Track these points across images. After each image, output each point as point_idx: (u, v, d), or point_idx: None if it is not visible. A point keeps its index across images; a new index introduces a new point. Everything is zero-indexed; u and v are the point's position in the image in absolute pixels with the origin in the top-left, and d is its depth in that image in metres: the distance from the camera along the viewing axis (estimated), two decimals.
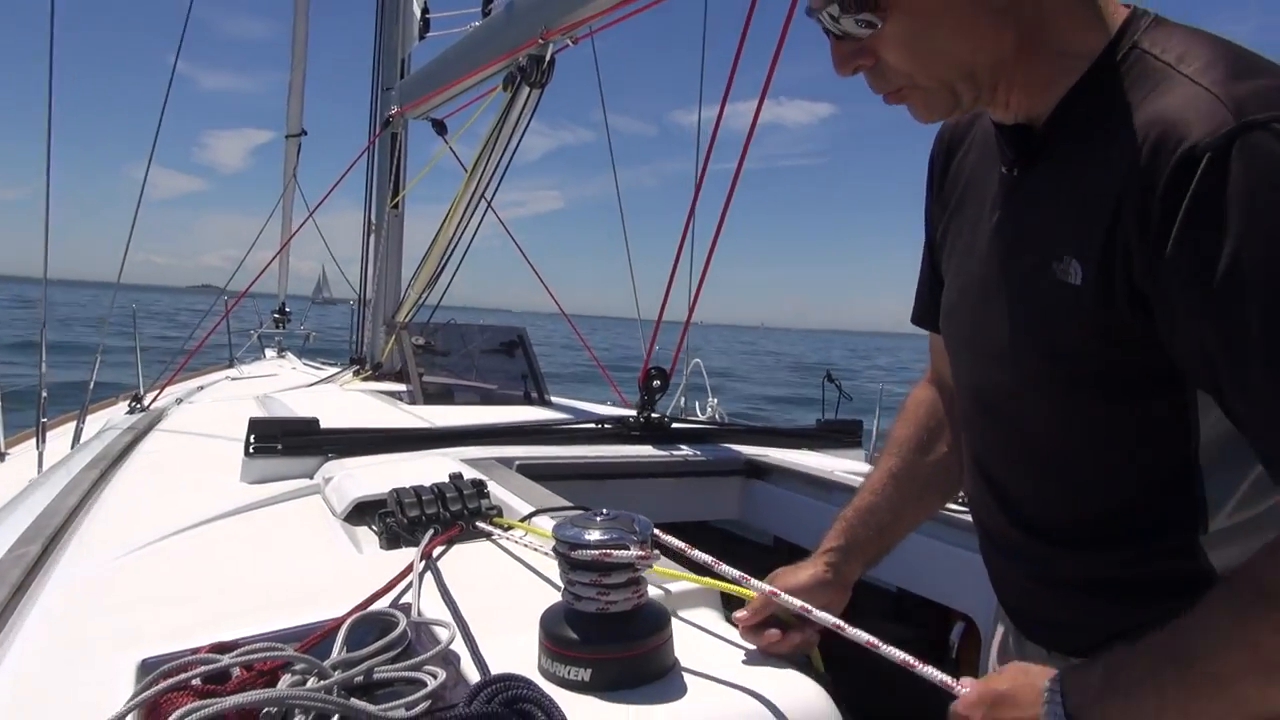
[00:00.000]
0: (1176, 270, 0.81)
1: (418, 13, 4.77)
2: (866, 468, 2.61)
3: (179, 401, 4.02)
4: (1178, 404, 0.92)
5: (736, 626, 1.19)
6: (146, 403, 3.88)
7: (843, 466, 2.52)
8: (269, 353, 7.97)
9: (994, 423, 1.11)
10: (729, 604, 1.31)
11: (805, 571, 1.25)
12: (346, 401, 3.45)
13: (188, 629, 1.19)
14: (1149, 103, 0.86)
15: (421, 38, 4.74)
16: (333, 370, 5.28)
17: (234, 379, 5.39)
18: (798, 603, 1.11)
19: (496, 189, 3.67)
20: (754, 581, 1.17)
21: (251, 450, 2.11)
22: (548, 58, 3.14)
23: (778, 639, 1.13)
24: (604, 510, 1.11)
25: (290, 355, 7.65)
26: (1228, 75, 0.82)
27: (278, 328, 8.79)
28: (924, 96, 0.97)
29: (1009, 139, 1.01)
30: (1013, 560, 1.14)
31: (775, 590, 1.13)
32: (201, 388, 4.78)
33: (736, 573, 1.17)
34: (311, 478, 2.10)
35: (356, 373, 4.70)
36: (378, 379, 4.53)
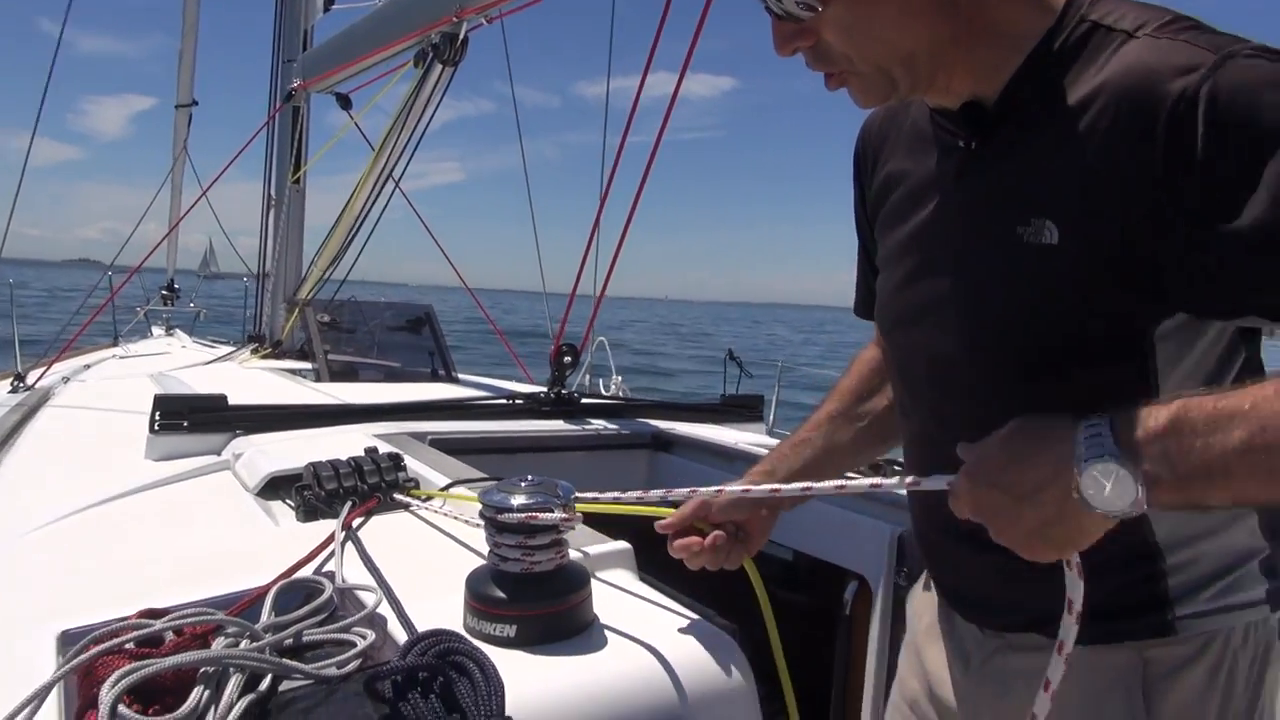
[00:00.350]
0: (1213, 176, 0.80)
1: None
2: (768, 439, 2.73)
3: (66, 380, 3.87)
4: (1141, 371, 0.93)
5: (649, 583, 1.27)
6: (30, 381, 3.73)
7: (745, 439, 2.62)
8: (156, 330, 7.68)
9: (952, 399, 1.08)
10: (642, 564, 1.38)
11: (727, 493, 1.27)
12: (249, 379, 3.39)
13: (106, 601, 1.19)
14: (1115, 63, 0.87)
15: (326, 9, 4.64)
16: (229, 348, 5.15)
17: (122, 357, 5.20)
18: (739, 486, 1.18)
19: (405, 168, 3.65)
20: (678, 492, 1.22)
21: (157, 427, 2.08)
22: (461, 35, 3.13)
23: (698, 546, 1.20)
24: (528, 477, 1.17)
25: (179, 333, 7.39)
26: (1191, 29, 0.86)
27: (165, 304, 8.47)
28: (862, 82, 0.98)
29: (962, 116, 1.01)
30: (962, 541, 1.08)
31: (695, 489, 1.19)
32: (88, 366, 4.60)
33: (657, 494, 1.23)
34: (219, 454, 2.08)
35: (255, 350, 4.60)
36: (278, 357, 4.45)
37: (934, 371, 1.10)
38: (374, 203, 3.84)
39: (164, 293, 8.50)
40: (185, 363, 4.37)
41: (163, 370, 3.62)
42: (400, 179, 3.80)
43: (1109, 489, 0.73)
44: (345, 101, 4.52)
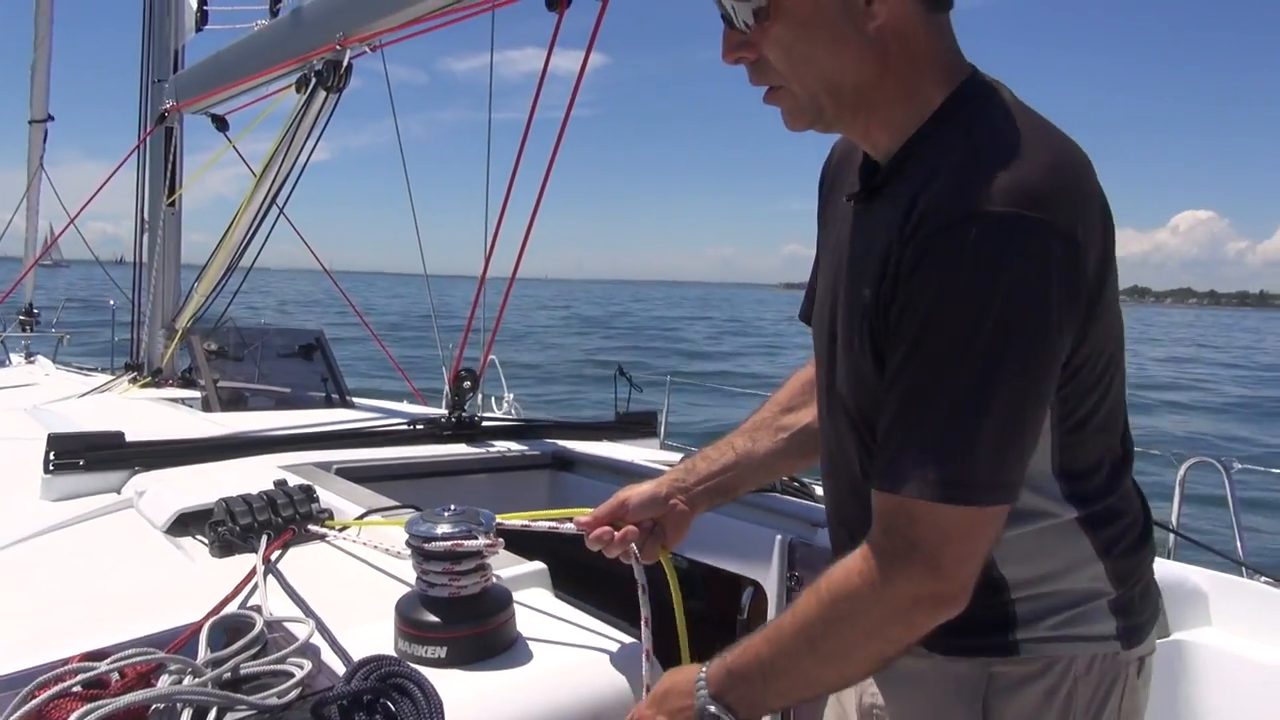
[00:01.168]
0: (894, 317, 1.00)
1: (194, 2, 4.56)
2: (664, 454, 2.85)
3: None
4: None
5: (565, 600, 1.37)
6: None
7: (642, 455, 2.74)
8: (15, 358, 7.27)
9: (833, 426, 1.20)
10: (557, 584, 1.48)
11: (644, 486, 1.37)
12: (135, 411, 3.32)
13: (32, 644, 1.21)
14: (935, 173, 0.98)
15: (198, 29, 4.54)
16: (104, 378, 4.96)
17: None
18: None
19: (290, 194, 3.62)
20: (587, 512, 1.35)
21: (52, 467, 2.06)
22: (345, 63, 3.15)
23: (610, 538, 1.31)
24: (450, 506, 1.25)
25: (41, 359, 7.03)
26: (976, 159, 0.96)
27: (24, 330, 8.03)
28: (793, 102, 1.07)
29: (861, 172, 1.12)
30: (842, 546, 1.18)
31: (623, 500, 1.34)
32: None
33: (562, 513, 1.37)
34: (119, 493, 2.07)
35: (134, 380, 4.46)
36: (159, 385, 4.33)
37: (825, 400, 1.22)
38: (258, 228, 3.80)
39: (22, 318, 8.05)
40: (57, 394, 4.21)
41: (37, 404, 3.50)
42: (285, 205, 3.77)
43: None
44: (222, 123, 4.42)
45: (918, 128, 1.05)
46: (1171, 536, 3.11)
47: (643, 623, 1.25)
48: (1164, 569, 1.97)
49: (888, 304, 1.01)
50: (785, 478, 2.13)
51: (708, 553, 2.24)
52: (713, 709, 1.06)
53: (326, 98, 3.28)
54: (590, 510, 1.35)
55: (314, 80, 3.24)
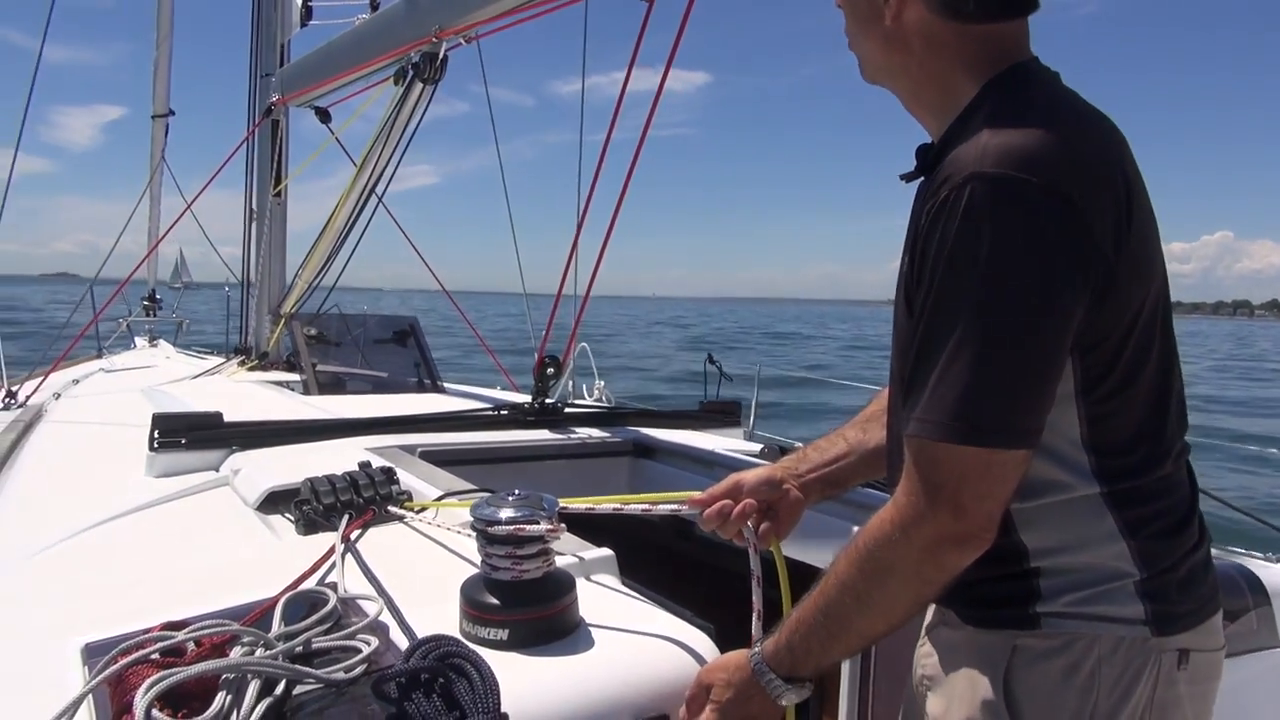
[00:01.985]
0: (917, 278, 1.07)
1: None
2: (747, 444, 2.83)
3: (57, 396, 3.93)
4: None
5: (632, 587, 1.37)
6: (21, 398, 3.79)
7: (723, 445, 2.72)
8: (139, 341, 7.70)
9: (892, 400, 1.24)
10: (624, 569, 1.48)
11: (759, 469, 1.40)
12: (240, 393, 3.47)
13: (124, 615, 1.27)
14: (961, 144, 1.06)
15: (303, 25, 4.70)
16: (215, 360, 5.20)
17: (108, 371, 5.24)
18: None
19: (389, 184, 3.72)
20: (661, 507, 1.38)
21: (156, 445, 2.16)
22: (441, 55, 3.21)
23: (729, 511, 1.33)
24: (515, 491, 1.27)
25: (163, 343, 7.42)
26: (991, 129, 1.03)
27: (147, 315, 8.48)
28: (859, 60, 1.25)
29: (917, 154, 1.21)
30: None
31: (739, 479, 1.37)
32: (76, 381, 4.65)
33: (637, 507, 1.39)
34: (218, 470, 2.16)
35: (242, 363, 4.66)
36: (265, 369, 4.52)
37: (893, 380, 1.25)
38: (358, 217, 3.92)
39: (145, 303, 8.50)
40: (173, 375, 4.44)
41: (153, 385, 3.69)
42: (384, 194, 3.88)
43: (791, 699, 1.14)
44: (325, 116, 4.58)
45: (957, 115, 1.12)
46: None
47: (755, 615, 1.26)
48: (1276, 574, 1.86)
49: (914, 264, 1.08)
50: None
51: (788, 543, 2.21)
52: (770, 677, 1.12)
53: (424, 89, 3.35)
54: (698, 493, 1.37)
55: (411, 72, 3.31)
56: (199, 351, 6.67)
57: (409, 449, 2.26)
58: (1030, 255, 0.98)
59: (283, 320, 4.33)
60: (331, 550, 1.50)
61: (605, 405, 3.83)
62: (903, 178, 1.20)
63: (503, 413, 2.68)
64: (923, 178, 1.16)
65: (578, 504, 1.40)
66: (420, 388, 3.76)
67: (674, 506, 1.38)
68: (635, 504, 1.41)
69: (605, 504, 1.41)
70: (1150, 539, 1.10)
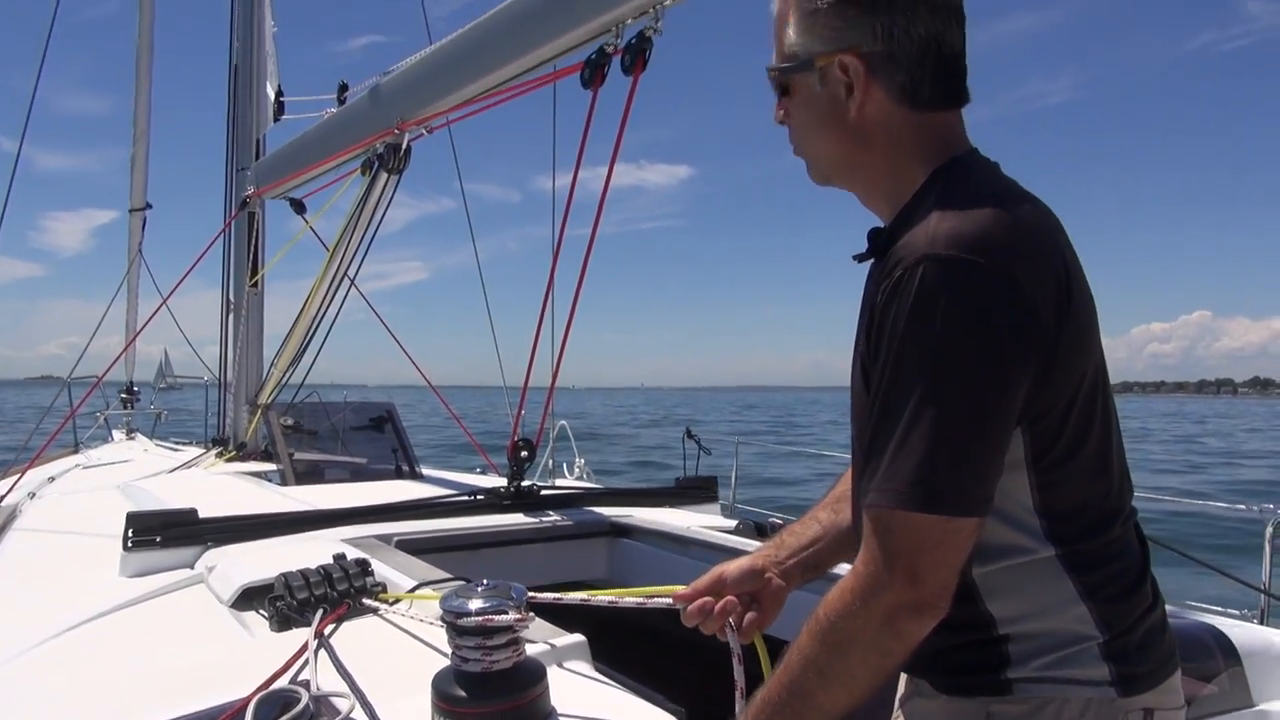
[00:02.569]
0: (873, 354, 1.11)
1: (272, 95, 4.84)
2: (723, 520, 2.85)
3: (31, 496, 3.90)
4: None
5: (604, 672, 1.38)
6: None
7: (700, 521, 2.73)
8: (117, 435, 7.65)
9: (855, 468, 1.26)
10: (596, 654, 1.49)
11: (740, 560, 1.41)
12: (216, 486, 3.46)
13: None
14: (911, 229, 1.12)
15: (276, 120, 4.81)
16: (193, 452, 5.18)
17: (85, 466, 5.20)
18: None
19: (359, 268, 3.78)
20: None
21: (130, 544, 2.16)
22: (404, 146, 3.30)
23: (711, 609, 1.33)
24: (484, 581, 1.28)
25: (140, 436, 7.38)
26: (940, 214, 1.09)
27: (125, 408, 8.45)
28: (808, 165, 1.31)
29: (869, 237, 1.26)
30: None
31: (721, 573, 1.36)
32: (52, 478, 4.62)
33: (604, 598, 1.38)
34: (192, 567, 2.16)
35: (220, 454, 4.65)
36: (243, 459, 4.51)
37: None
38: (330, 303, 3.96)
39: (123, 396, 8.48)
40: (149, 469, 4.41)
41: (129, 480, 3.67)
42: (355, 278, 3.93)
43: None
44: (299, 206, 4.66)
45: (908, 200, 1.18)
46: (1262, 598, 2.95)
47: (738, 692, 1.27)
48: (1249, 633, 1.88)
49: (869, 340, 1.14)
50: None
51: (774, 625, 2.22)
52: None
53: (388, 179, 3.43)
54: (681, 587, 1.37)
55: (376, 163, 3.40)
56: (177, 443, 6.64)
57: (385, 538, 2.27)
58: (979, 333, 1.03)
59: (259, 411, 4.33)
60: (305, 647, 1.50)
61: (582, 486, 3.84)
62: (856, 258, 1.26)
63: (478, 497, 2.69)
64: (873, 259, 1.21)
65: (546, 595, 1.41)
66: (398, 474, 3.76)
67: (659, 601, 1.38)
68: (605, 595, 1.42)
69: (573, 596, 1.42)
70: (1108, 601, 1.13)
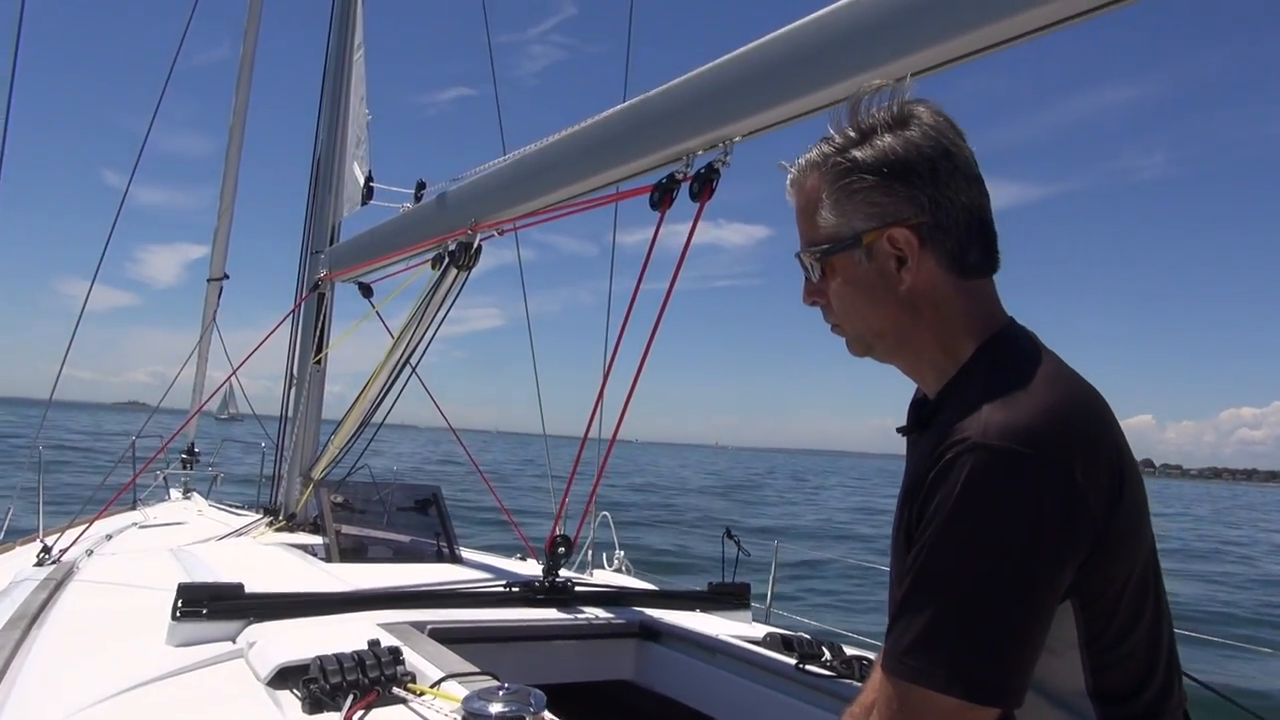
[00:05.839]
0: (917, 522, 1.12)
1: (360, 179, 5.11)
2: (753, 630, 2.86)
3: (89, 553, 4.05)
4: None
5: None
6: (55, 553, 3.91)
7: (731, 629, 2.75)
8: (174, 493, 7.86)
9: None
10: None
11: None
12: (264, 558, 3.56)
13: None
14: (957, 412, 1.13)
15: (364, 203, 5.07)
16: (245, 519, 5.33)
17: (142, 526, 5.37)
18: None
19: (421, 356, 3.93)
20: None
21: (178, 614, 2.25)
22: (475, 245, 3.47)
23: None
24: (506, 685, 1.35)
25: (197, 496, 7.57)
26: (991, 400, 1.10)
27: (185, 468, 8.69)
28: (848, 338, 1.33)
29: (912, 408, 1.31)
30: None
31: None
32: (109, 536, 4.78)
33: None
34: (234, 641, 2.24)
35: (270, 523, 4.78)
36: (292, 530, 4.63)
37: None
38: (390, 388, 4.11)
39: (184, 457, 8.73)
40: (203, 533, 4.55)
41: (182, 545, 3.80)
42: (418, 365, 4.08)
43: None
44: (367, 291, 4.87)
45: (954, 373, 1.21)
46: None
47: None
48: None
49: (913, 511, 1.14)
50: None
51: None
52: None
53: (458, 274, 3.59)
54: None
55: (447, 259, 3.57)
56: (231, 506, 6.82)
57: (419, 625, 2.33)
58: (1027, 526, 1.03)
59: (311, 484, 4.46)
60: None
61: (616, 585, 3.86)
62: (900, 431, 1.32)
63: (513, 590, 2.75)
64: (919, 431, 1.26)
65: None
66: (439, 556, 3.84)
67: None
68: None
69: None
70: None
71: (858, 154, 1.23)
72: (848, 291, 1.27)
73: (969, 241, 1.22)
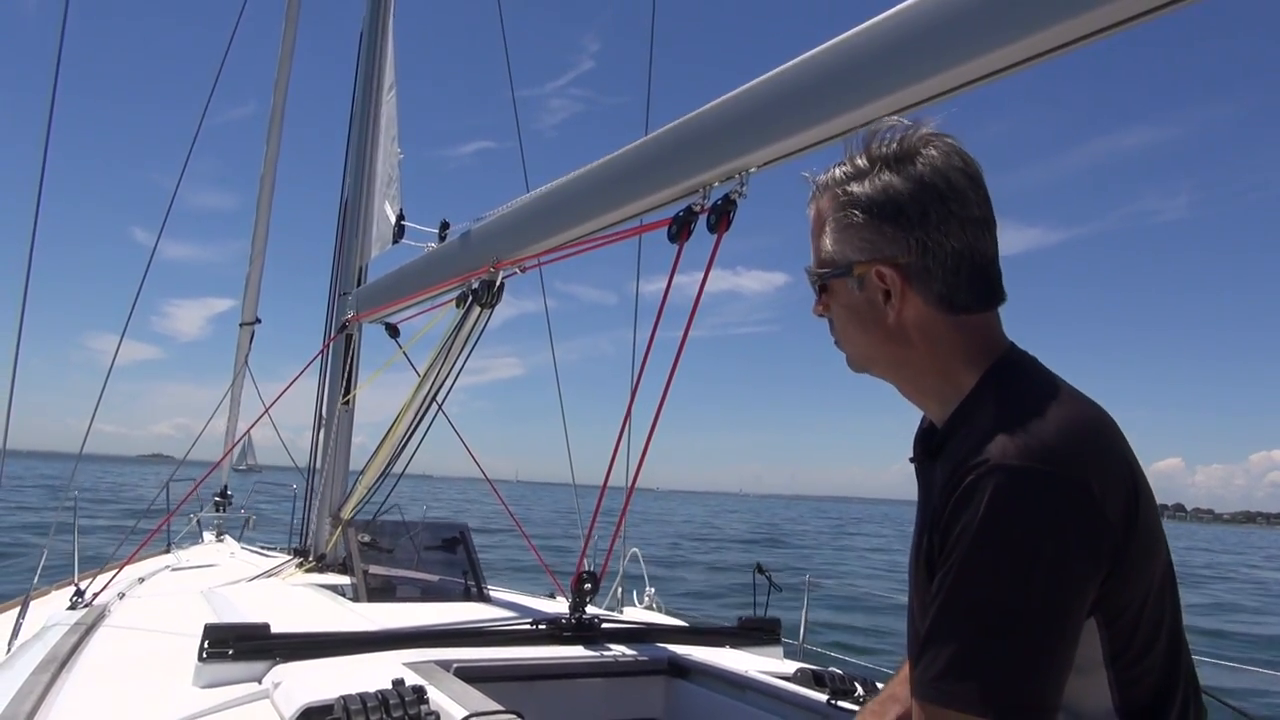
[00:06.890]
0: (938, 551, 1.13)
1: (392, 218, 5.19)
2: (783, 666, 2.81)
3: (121, 596, 4.08)
4: None
5: None
6: (88, 597, 3.94)
7: (761, 665, 2.71)
8: (207, 535, 7.95)
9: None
10: None
11: None
12: (292, 598, 3.57)
13: None
14: (970, 438, 1.15)
15: (395, 241, 5.14)
16: (275, 560, 5.36)
17: (174, 569, 5.41)
18: None
19: (447, 394, 3.95)
20: None
21: (205, 655, 2.26)
22: (498, 283, 3.49)
23: None
24: None
25: (229, 539, 7.64)
26: (1005, 423, 1.11)
27: (218, 511, 8.78)
28: (846, 356, 1.37)
29: (919, 438, 1.31)
30: None
31: None
32: (142, 579, 4.82)
33: None
34: (260, 682, 2.24)
35: (300, 564, 4.80)
36: (321, 570, 4.65)
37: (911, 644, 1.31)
38: (417, 426, 4.13)
39: (217, 499, 8.83)
40: (234, 575, 4.58)
41: (213, 586, 3.83)
42: (444, 403, 4.10)
43: None
44: (393, 331, 4.92)
45: (959, 403, 1.22)
46: None
47: None
48: None
49: (933, 539, 1.15)
50: None
51: None
52: None
53: (481, 313, 3.62)
54: None
55: (470, 297, 3.59)
56: (262, 548, 6.87)
57: (445, 664, 2.32)
58: (1053, 544, 1.04)
59: (340, 525, 4.48)
60: None
61: (645, 621, 3.83)
62: (911, 460, 1.33)
63: (539, 627, 2.73)
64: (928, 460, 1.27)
65: None
66: (466, 594, 3.83)
67: None
68: None
69: None
70: None
71: (856, 189, 1.26)
72: (842, 315, 1.33)
73: (956, 284, 1.23)
